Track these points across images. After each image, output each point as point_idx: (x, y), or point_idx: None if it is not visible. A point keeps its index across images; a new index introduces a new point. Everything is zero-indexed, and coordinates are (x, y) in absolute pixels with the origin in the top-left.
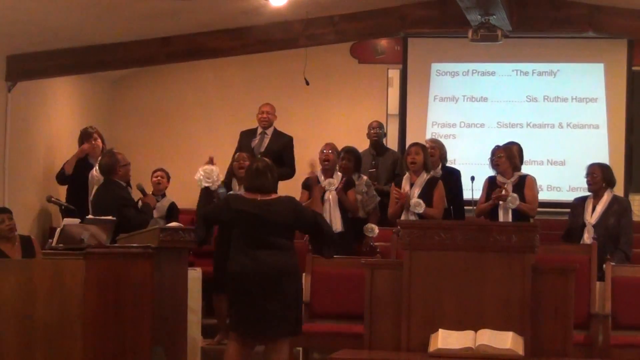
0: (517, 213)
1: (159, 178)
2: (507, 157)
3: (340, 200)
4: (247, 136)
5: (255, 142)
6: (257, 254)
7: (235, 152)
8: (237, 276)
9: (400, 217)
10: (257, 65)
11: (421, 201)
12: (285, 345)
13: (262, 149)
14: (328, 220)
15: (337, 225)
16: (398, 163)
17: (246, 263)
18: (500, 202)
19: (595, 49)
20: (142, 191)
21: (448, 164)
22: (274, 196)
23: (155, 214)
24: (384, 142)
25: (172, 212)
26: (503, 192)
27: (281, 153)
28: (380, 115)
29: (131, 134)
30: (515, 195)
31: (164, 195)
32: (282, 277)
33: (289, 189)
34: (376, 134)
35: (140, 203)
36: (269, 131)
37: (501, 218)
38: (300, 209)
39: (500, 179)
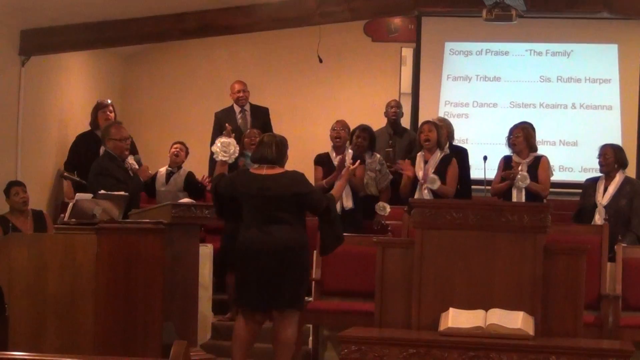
0: (530, 194)
1: (177, 150)
2: (525, 137)
3: (349, 178)
4: (224, 116)
5: (239, 121)
6: (263, 229)
7: (213, 134)
8: (244, 251)
9: (411, 193)
10: (270, 43)
11: (436, 177)
12: (294, 321)
13: (249, 126)
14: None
15: (349, 202)
16: (414, 143)
17: (253, 238)
18: (514, 185)
19: (609, 29)
20: (138, 162)
21: (460, 144)
22: (279, 170)
23: (173, 186)
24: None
25: (190, 182)
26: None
27: (264, 125)
28: (393, 93)
29: (143, 109)
30: (525, 174)
31: (179, 168)
32: (287, 252)
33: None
34: (395, 113)
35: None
36: (247, 107)
37: (514, 198)
38: (307, 185)
39: (515, 158)
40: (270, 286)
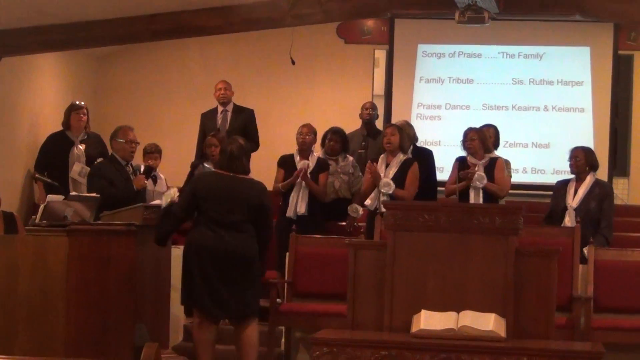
0: (487, 195)
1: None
2: (480, 139)
3: (307, 185)
4: (208, 117)
5: (219, 121)
6: (220, 232)
7: (200, 134)
8: (197, 248)
9: (368, 195)
10: (243, 44)
11: (390, 181)
12: (254, 324)
13: (227, 126)
14: (295, 202)
15: (301, 208)
16: None
17: (208, 237)
18: (471, 186)
19: (581, 32)
20: (136, 171)
21: (432, 146)
22: (245, 177)
23: (157, 187)
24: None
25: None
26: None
27: (245, 127)
28: (366, 95)
29: (116, 111)
30: (482, 174)
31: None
32: (240, 261)
33: (262, 165)
34: (369, 114)
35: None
36: (229, 107)
37: (472, 199)
38: (266, 201)
39: (471, 159)
40: (229, 296)
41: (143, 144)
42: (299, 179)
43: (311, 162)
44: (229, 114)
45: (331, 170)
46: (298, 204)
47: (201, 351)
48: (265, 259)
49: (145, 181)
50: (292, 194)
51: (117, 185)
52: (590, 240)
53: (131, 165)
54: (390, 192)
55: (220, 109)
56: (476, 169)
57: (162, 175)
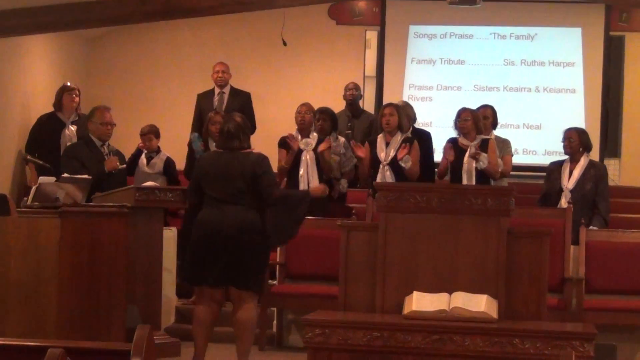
0: (480, 176)
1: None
2: (473, 120)
3: (319, 160)
4: (204, 98)
5: (215, 102)
6: (221, 207)
7: (195, 114)
8: (201, 225)
9: (370, 174)
10: (235, 26)
11: (410, 158)
12: (253, 304)
13: (223, 109)
14: (306, 180)
15: (315, 185)
16: (373, 125)
17: (210, 214)
18: (464, 165)
19: (573, 13)
20: (110, 152)
21: (424, 127)
22: (244, 151)
23: (150, 169)
24: (360, 103)
25: (169, 167)
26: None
27: (242, 111)
28: (358, 76)
29: (107, 92)
30: (486, 154)
31: (158, 151)
32: (243, 235)
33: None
34: (352, 95)
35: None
36: (226, 89)
37: (465, 181)
38: (263, 167)
39: (462, 140)
40: (228, 265)
41: (135, 124)
42: (307, 157)
43: (313, 141)
44: (226, 96)
45: None
46: (310, 182)
47: (197, 331)
48: (288, 233)
49: (118, 163)
50: (300, 172)
51: (88, 167)
52: (582, 222)
53: (107, 145)
54: (409, 167)
55: (217, 90)
56: (468, 150)
57: (164, 156)
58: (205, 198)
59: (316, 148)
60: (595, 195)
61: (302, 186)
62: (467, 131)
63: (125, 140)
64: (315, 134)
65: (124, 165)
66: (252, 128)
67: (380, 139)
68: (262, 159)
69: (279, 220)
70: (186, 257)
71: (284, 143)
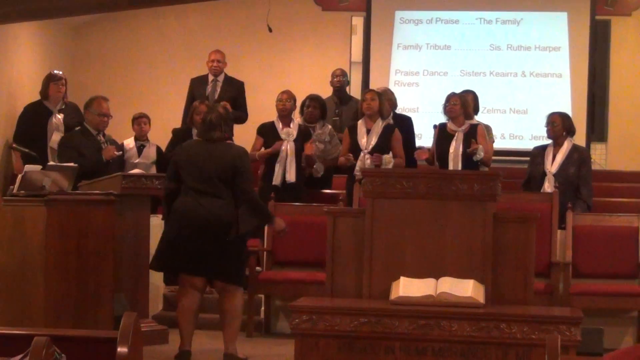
0: (466, 162)
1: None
2: (462, 105)
3: (303, 158)
4: (197, 83)
5: (208, 90)
6: (198, 199)
7: (188, 99)
8: (177, 215)
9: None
10: (220, 12)
11: (390, 156)
12: (238, 293)
13: (216, 96)
14: (282, 169)
15: (292, 176)
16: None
17: (187, 204)
18: (450, 153)
19: None
20: (107, 141)
21: (410, 112)
22: (225, 142)
23: (147, 159)
24: (347, 90)
25: (161, 157)
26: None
27: (235, 98)
28: (344, 63)
29: (93, 80)
30: (481, 146)
31: (147, 140)
32: (216, 226)
33: (244, 133)
34: (339, 81)
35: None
36: (220, 78)
37: (451, 167)
38: (244, 163)
39: (451, 126)
40: (203, 256)
41: (122, 112)
42: (287, 147)
43: (294, 131)
44: (219, 84)
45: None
46: (287, 172)
47: (182, 319)
48: (256, 227)
49: (116, 152)
50: (277, 162)
51: (86, 156)
52: (569, 206)
53: (103, 134)
54: (392, 166)
55: (211, 77)
56: (456, 136)
57: (154, 144)
58: (182, 186)
59: (297, 139)
60: (578, 179)
61: (278, 172)
62: (455, 115)
63: (111, 128)
64: (296, 122)
65: (121, 152)
66: (245, 115)
67: (360, 125)
68: (243, 154)
69: (245, 215)
70: (158, 244)
71: (263, 130)
